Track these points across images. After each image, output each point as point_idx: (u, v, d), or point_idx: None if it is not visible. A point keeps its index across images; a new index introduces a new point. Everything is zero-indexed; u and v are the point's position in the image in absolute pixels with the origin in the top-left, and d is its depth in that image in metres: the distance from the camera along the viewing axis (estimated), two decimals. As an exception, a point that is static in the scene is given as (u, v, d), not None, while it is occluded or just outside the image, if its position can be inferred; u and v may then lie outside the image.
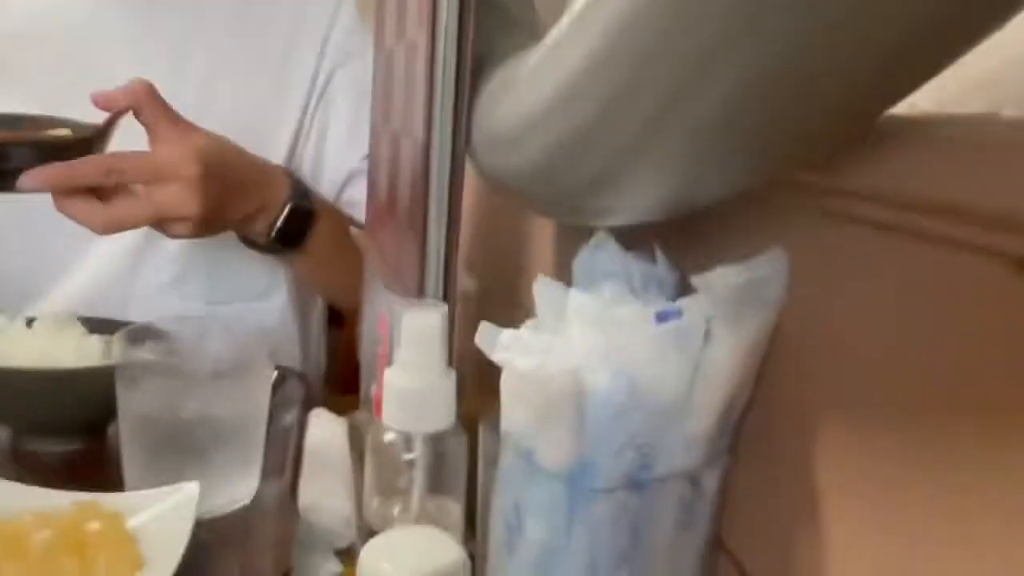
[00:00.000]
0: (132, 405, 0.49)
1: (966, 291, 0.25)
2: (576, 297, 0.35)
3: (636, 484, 0.34)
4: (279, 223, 0.75)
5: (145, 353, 0.51)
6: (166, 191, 0.63)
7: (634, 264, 0.39)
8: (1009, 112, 0.25)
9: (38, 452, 0.57)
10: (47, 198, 0.71)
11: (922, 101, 0.28)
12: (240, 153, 0.72)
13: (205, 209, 0.64)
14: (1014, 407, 0.24)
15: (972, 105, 0.27)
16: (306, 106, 0.87)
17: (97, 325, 0.59)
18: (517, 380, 0.32)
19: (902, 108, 0.27)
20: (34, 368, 0.53)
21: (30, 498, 0.44)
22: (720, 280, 0.32)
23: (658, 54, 0.22)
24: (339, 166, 0.89)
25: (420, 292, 0.44)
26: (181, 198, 0.63)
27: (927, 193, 0.26)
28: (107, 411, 0.56)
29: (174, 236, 0.67)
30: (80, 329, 0.58)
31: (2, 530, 0.41)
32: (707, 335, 0.32)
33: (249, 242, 0.78)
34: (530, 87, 0.30)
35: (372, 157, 0.65)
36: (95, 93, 0.63)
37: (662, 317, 0.32)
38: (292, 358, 0.90)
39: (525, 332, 0.33)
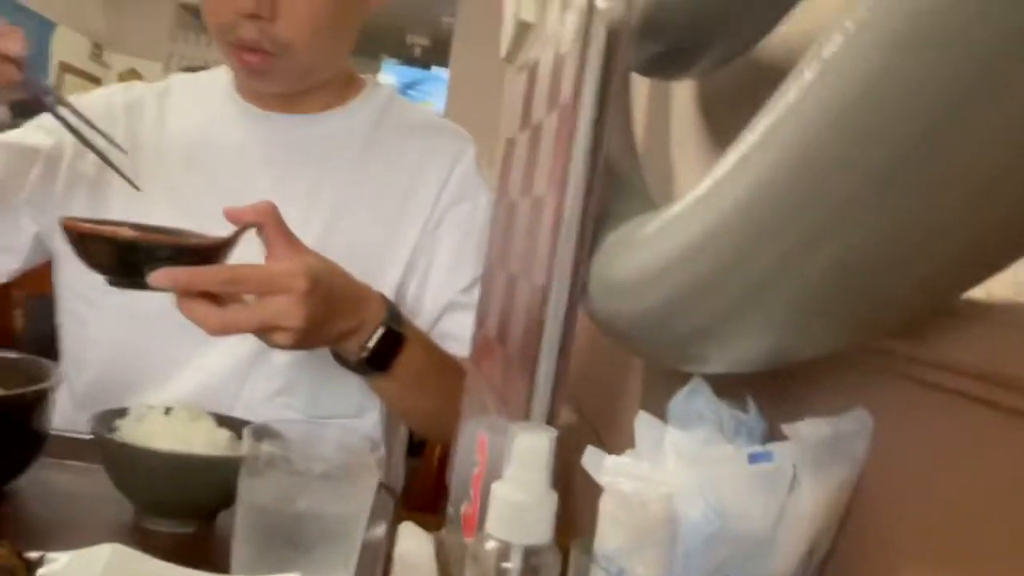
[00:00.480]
0: (252, 494, 0.54)
1: (1036, 460, 0.28)
2: (674, 433, 0.39)
3: (719, 616, 0.36)
4: (370, 344, 0.79)
5: (267, 449, 0.56)
6: (276, 302, 0.68)
7: (726, 411, 0.42)
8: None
9: (155, 530, 0.62)
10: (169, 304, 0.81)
11: (998, 288, 0.32)
12: (343, 275, 0.78)
13: (308, 322, 0.69)
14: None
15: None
16: (417, 244, 0.94)
17: (225, 421, 0.66)
18: (617, 502, 0.36)
19: (980, 292, 0.31)
20: (167, 451, 0.59)
21: (155, 570, 0.49)
22: (809, 431, 0.35)
23: (770, 234, 0.27)
24: (437, 299, 0.94)
25: (526, 420, 0.49)
26: (288, 310, 0.68)
27: (998, 368, 0.30)
28: (222, 499, 0.62)
29: (275, 345, 0.72)
30: (211, 422, 0.64)
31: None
32: (794, 480, 0.35)
33: (341, 360, 0.83)
34: (653, 247, 0.36)
35: (483, 294, 0.71)
36: (226, 208, 0.70)
37: (755, 458, 0.35)
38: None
39: (626, 459, 0.37)
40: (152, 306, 0.86)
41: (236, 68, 0.86)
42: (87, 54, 6.40)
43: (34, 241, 0.91)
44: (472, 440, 0.64)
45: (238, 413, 0.86)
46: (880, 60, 0.24)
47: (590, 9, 0.49)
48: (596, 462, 0.37)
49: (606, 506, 0.37)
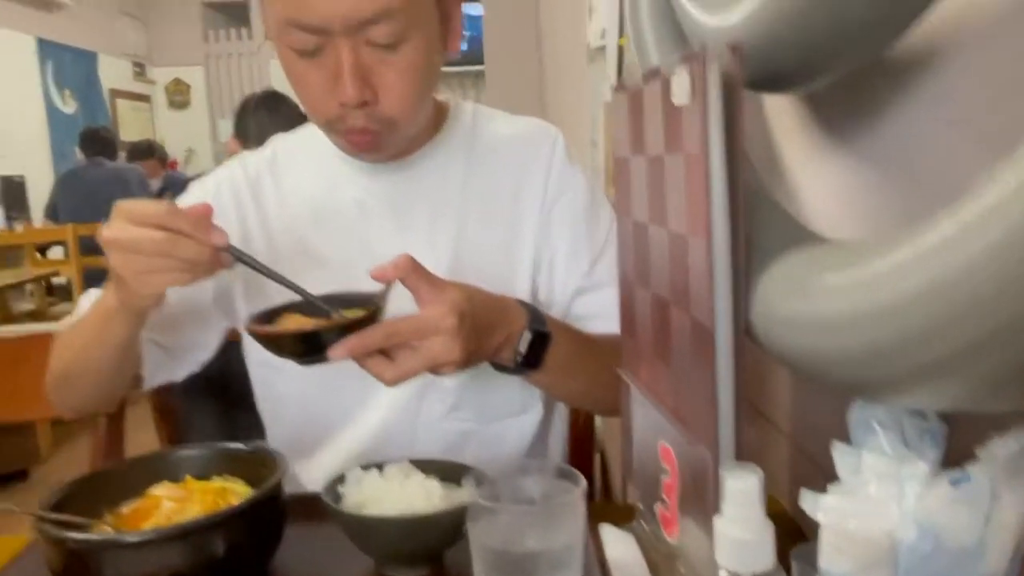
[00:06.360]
0: (482, 538, 0.62)
1: None
2: (869, 458, 0.44)
3: (942, 612, 0.42)
4: (521, 349, 0.86)
5: (483, 494, 0.64)
6: (433, 344, 0.76)
7: (905, 418, 0.47)
8: None
9: (394, 577, 0.71)
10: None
11: None
12: (486, 297, 0.84)
13: (465, 352, 0.77)
14: None
15: None
16: (536, 243, 1.00)
17: (429, 466, 0.74)
18: (840, 536, 0.42)
19: None
20: (398, 516, 0.68)
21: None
22: (1000, 449, 0.40)
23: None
24: (566, 287, 1.01)
25: (714, 444, 0.55)
26: (446, 348, 0.76)
27: None
28: (448, 543, 0.71)
29: (444, 375, 0.81)
30: (421, 475, 0.73)
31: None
32: (993, 495, 0.40)
33: (499, 367, 0.90)
34: (870, 292, 0.39)
35: (626, 309, 0.77)
36: (372, 270, 0.78)
37: (956, 481, 0.40)
38: (540, 454, 1.04)
39: (840, 499, 0.43)
40: (331, 369, 0.96)
41: (346, 149, 0.92)
42: (131, 75, 6.58)
43: (224, 332, 1.01)
44: (651, 445, 0.70)
45: (419, 433, 0.97)
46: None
47: (703, 58, 0.52)
48: (813, 502, 0.43)
49: (829, 537, 0.43)
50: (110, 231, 0.74)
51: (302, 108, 0.90)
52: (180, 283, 0.77)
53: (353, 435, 0.99)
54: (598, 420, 1.75)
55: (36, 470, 3.16)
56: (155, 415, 1.38)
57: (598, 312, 0.98)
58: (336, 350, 0.74)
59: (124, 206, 0.75)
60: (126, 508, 0.75)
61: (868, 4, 0.44)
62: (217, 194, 1.01)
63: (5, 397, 1.37)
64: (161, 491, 0.75)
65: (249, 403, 1.08)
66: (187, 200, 1.02)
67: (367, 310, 0.77)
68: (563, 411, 1.10)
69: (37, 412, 1.42)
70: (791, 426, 0.80)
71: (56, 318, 3.91)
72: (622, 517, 0.78)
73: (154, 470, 0.78)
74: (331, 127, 0.87)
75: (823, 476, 0.49)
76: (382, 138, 0.87)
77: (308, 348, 0.74)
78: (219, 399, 1.51)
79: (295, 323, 0.76)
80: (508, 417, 1.00)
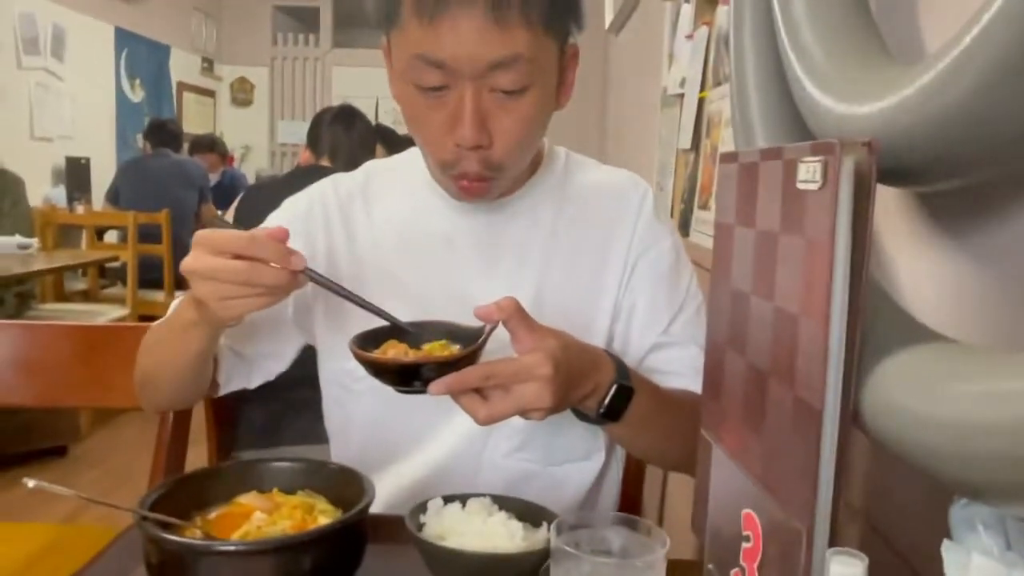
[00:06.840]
0: (565, 586, 0.64)
1: None
2: (979, 560, 0.45)
3: None
4: (606, 401, 0.88)
5: (565, 540, 0.66)
6: (528, 389, 0.78)
7: (1010, 522, 0.49)
8: None
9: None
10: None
11: None
12: (580, 347, 0.87)
13: (555, 400, 0.80)
14: None
15: None
16: (618, 294, 1.02)
17: (510, 505, 0.76)
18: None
19: None
20: (482, 552, 0.70)
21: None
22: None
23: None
24: (642, 340, 1.03)
25: (810, 523, 0.56)
26: (538, 394, 0.79)
27: None
28: (524, 581, 0.73)
29: (532, 419, 0.83)
30: (503, 515, 0.75)
31: None
32: (1107, 612, 0.42)
33: (580, 415, 0.92)
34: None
35: (712, 371, 0.78)
36: (477, 309, 0.80)
37: (1070, 597, 0.42)
38: (595, 501, 1.06)
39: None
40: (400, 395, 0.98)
41: (453, 192, 0.95)
42: (199, 70, 6.76)
43: (301, 346, 1.05)
44: (732, 508, 0.72)
45: (482, 468, 0.99)
46: None
47: (838, 151, 0.54)
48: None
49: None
50: (192, 261, 0.77)
51: (420, 148, 0.93)
52: (261, 307, 0.80)
53: (417, 462, 1.01)
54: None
55: (75, 447, 3.23)
56: (206, 401, 1.43)
57: (672, 368, 1.00)
58: (436, 386, 0.76)
59: (204, 235, 0.77)
60: (214, 513, 0.78)
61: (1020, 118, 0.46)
62: (309, 212, 1.04)
63: (52, 382, 1.42)
64: (250, 500, 0.78)
65: (298, 396, 1.10)
66: (280, 216, 1.05)
67: (462, 346, 0.80)
68: (619, 460, 1.12)
69: (79, 400, 1.50)
70: (865, 503, 0.81)
71: (107, 300, 4.01)
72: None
73: (242, 478, 0.81)
74: (444, 169, 0.90)
75: (893, 553, 0.50)
76: (491, 184, 0.90)
77: (407, 378, 0.77)
78: (269, 389, 1.54)
79: (396, 350, 0.79)
80: (571, 462, 1.02)
